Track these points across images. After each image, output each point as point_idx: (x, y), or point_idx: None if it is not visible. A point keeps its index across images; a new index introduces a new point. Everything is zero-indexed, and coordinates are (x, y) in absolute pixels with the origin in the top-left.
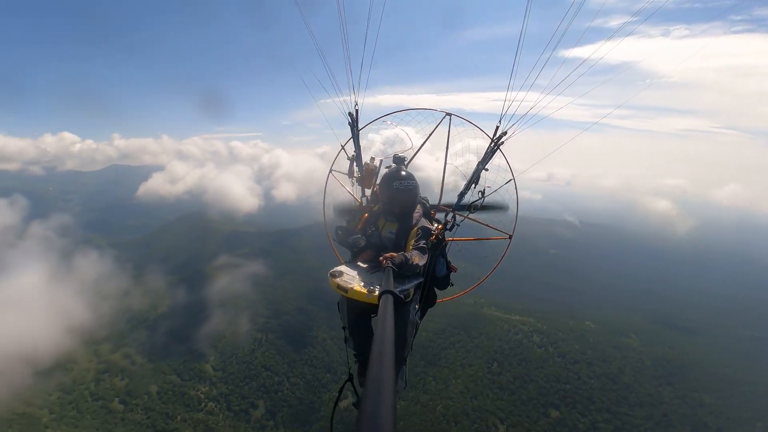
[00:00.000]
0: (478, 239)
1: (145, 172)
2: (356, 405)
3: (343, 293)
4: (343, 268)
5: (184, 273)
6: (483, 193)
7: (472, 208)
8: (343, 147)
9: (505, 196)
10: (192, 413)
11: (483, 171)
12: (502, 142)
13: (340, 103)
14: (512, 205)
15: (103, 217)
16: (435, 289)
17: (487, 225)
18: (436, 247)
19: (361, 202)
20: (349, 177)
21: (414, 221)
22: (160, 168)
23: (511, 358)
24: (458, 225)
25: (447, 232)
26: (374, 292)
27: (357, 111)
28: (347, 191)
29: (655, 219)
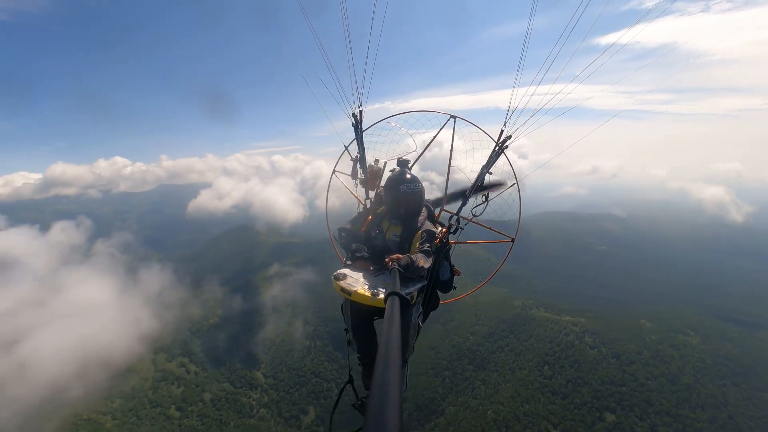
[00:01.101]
0: (481, 242)
1: (193, 190)
2: (354, 406)
3: (347, 296)
4: (346, 270)
5: (233, 284)
6: (487, 197)
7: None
8: (346, 148)
9: (508, 200)
10: (244, 419)
11: (487, 174)
12: (507, 146)
13: (344, 105)
14: (516, 208)
15: (157, 234)
16: (438, 292)
17: (491, 228)
18: (440, 251)
19: (365, 204)
20: (353, 178)
21: (419, 224)
22: (207, 185)
23: (562, 361)
24: (462, 228)
25: (451, 236)
26: (378, 294)
27: (360, 112)
28: (351, 192)
29: (708, 207)
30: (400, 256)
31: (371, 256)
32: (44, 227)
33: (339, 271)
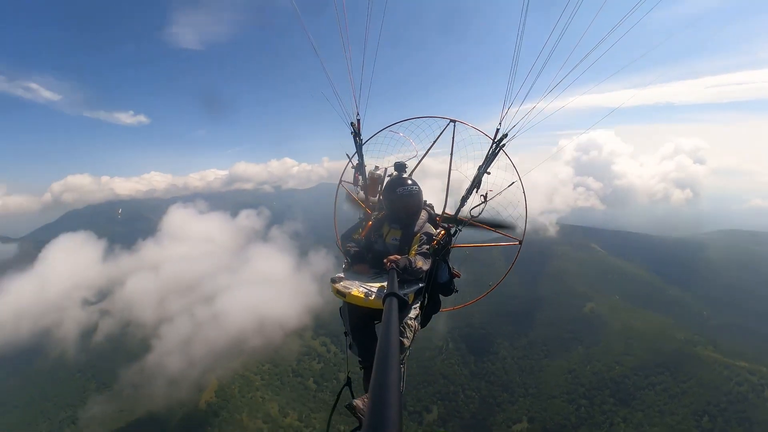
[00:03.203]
0: (486, 245)
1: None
2: (348, 407)
3: (342, 297)
4: (344, 274)
5: None
6: (485, 197)
7: (471, 215)
8: (350, 159)
9: (513, 200)
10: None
11: (485, 174)
12: (504, 144)
13: (343, 114)
14: (520, 210)
15: (317, 225)
16: (440, 295)
17: (495, 230)
18: (438, 252)
19: (368, 211)
20: (354, 185)
21: (418, 227)
22: None
23: (728, 414)
24: (460, 230)
25: (451, 238)
26: (371, 295)
27: (359, 121)
28: (356, 200)
29: None
30: (398, 257)
31: (372, 260)
32: (233, 214)
33: (337, 273)
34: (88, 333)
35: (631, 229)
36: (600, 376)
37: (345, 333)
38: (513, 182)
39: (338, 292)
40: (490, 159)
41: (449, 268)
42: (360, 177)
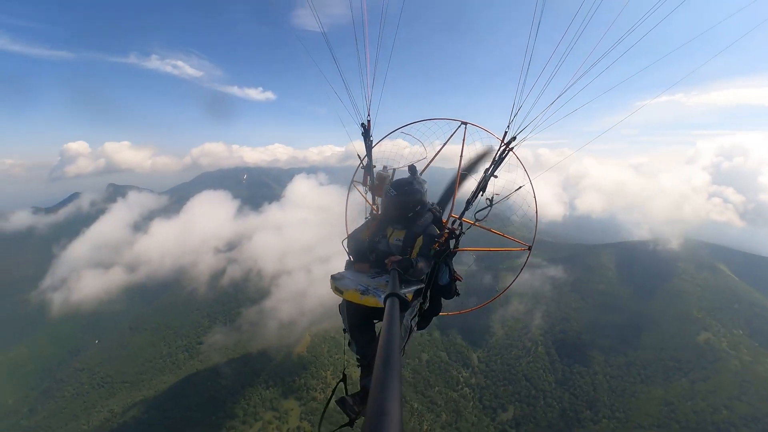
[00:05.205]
0: (494, 249)
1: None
2: (339, 402)
3: (339, 294)
4: (345, 272)
5: (486, 263)
6: (491, 200)
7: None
8: (361, 160)
9: (523, 205)
10: (448, 390)
11: (492, 178)
12: (512, 147)
13: (354, 114)
14: (529, 213)
15: None
16: (442, 298)
17: (502, 234)
18: (440, 255)
19: (375, 210)
20: (363, 185)
21: (421, 228)
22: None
23: None
24: (464, 233)
25: (453, 241)
26: (367, 294)
27: (369, 122)
28: (366, 200)
29: None
30: (400, 257)
31: (375, 260)
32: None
33: (338, 272)
34: (216, 276)
35: None
36: (701, 417)
37: (344, 330)
38: (521, 185)
39: (336, 289)
40: (498, 161)
41: (450, 270)
42: (369, 177)
